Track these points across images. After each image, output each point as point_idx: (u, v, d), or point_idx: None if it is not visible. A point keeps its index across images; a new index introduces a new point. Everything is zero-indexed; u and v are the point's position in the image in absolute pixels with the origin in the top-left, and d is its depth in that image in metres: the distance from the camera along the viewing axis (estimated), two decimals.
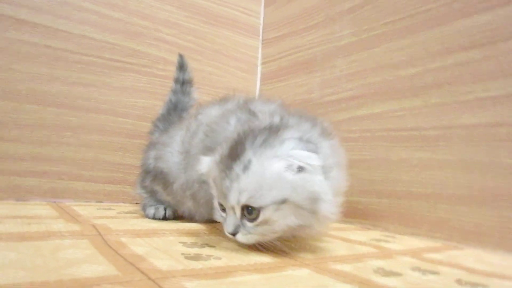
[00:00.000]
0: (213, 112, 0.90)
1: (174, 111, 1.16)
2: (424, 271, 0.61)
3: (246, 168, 0.61)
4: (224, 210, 0.66)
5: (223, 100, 0.95)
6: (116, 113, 1.22)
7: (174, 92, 1.19)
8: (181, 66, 1.20)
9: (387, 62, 1.09)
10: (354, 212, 1.12)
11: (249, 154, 0.61)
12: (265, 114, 0.73)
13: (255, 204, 0.60)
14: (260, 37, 1.62)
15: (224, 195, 0.63)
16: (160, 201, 0.98)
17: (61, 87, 1.13)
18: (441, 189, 0.94)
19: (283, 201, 0.60)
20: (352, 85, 1.19)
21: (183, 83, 1.19)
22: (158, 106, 1.24)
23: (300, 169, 0.61)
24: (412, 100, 1.02)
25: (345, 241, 0.83)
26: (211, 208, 0.88)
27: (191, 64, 1.38)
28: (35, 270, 0.44)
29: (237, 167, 0.61)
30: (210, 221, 0.94)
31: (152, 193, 1.00)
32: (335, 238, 0.86)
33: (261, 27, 1.62)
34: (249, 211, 0.61)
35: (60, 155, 1.13)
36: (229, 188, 0.61)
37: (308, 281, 0.49)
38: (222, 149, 0.66)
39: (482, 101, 0.88)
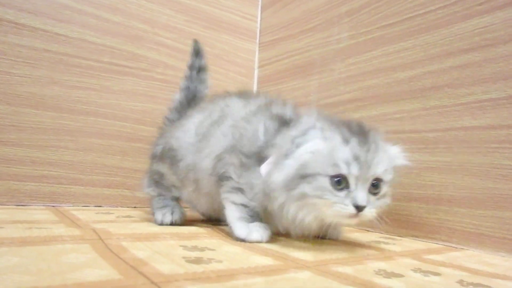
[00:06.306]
0: (238, 109, 0.88)
1: (193, 100, 1.10)
2: (426, 273, 0.61)
3: (377, 146, 0.69)
4: (341, 189, 0.67)
5: (244, 95, 0.93)
6: (115, 117, 1.22)
7: (190, 79, 1.12)
8: (197, 52, 1.13)
9: (385, 65, 1.10)
10: None
11: (373, 136, 0.70)
12: (300, 123, 0.73)
13: (385, 176, 0.70)
14: (257, 41, 1.62)
15: (364, 167, 0.67)
16: (167, 198, 0.95)
17: (61, 91, 1.13)
18: (441, 191, 0.94)
19: (392, 180, 0.72)
20: (350, 88, 1.19)
21: (199, 69, 1.12)
22: (157, 110, 1.24)
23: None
24: (410, 102, 1.02)
25: (345, 244, 0.83)
26: (211, 200, 0.88)
27: None
28: (39, 274, 0.44)
29: (373, 144, 0.69)
30: (209, 215, 0.94)
31: (159, 185, 0.96)
32: (334, 240, 0.87)
33: (258, 30, 1.63)
34: (375, 185, 0.69)
35: (59, 159, 1.13)
36: (370, 160, 0.67)
37: (310, 284, 0.49)
38: (343, 131, 0.69)
39: (482, 103, 0.89)
